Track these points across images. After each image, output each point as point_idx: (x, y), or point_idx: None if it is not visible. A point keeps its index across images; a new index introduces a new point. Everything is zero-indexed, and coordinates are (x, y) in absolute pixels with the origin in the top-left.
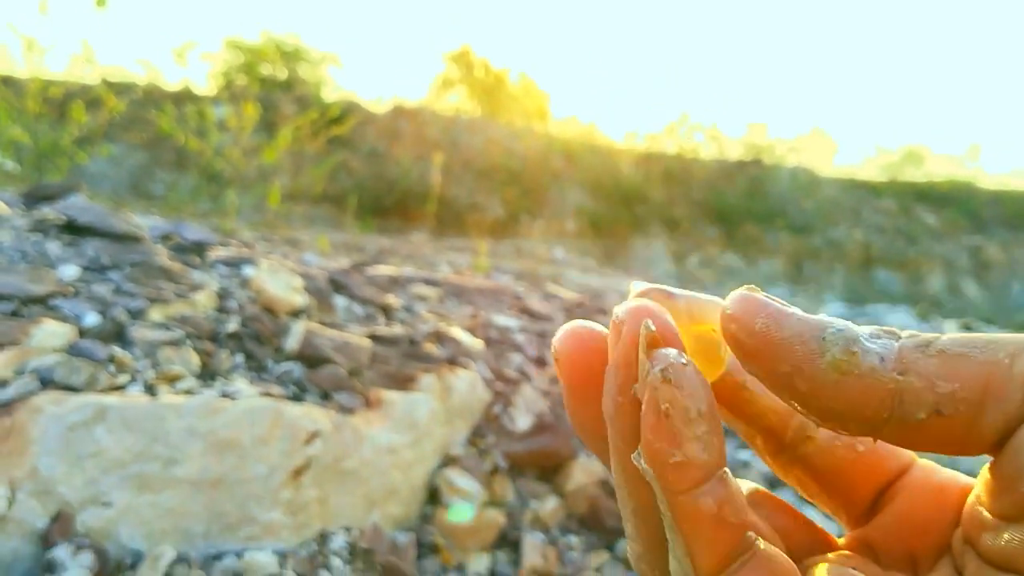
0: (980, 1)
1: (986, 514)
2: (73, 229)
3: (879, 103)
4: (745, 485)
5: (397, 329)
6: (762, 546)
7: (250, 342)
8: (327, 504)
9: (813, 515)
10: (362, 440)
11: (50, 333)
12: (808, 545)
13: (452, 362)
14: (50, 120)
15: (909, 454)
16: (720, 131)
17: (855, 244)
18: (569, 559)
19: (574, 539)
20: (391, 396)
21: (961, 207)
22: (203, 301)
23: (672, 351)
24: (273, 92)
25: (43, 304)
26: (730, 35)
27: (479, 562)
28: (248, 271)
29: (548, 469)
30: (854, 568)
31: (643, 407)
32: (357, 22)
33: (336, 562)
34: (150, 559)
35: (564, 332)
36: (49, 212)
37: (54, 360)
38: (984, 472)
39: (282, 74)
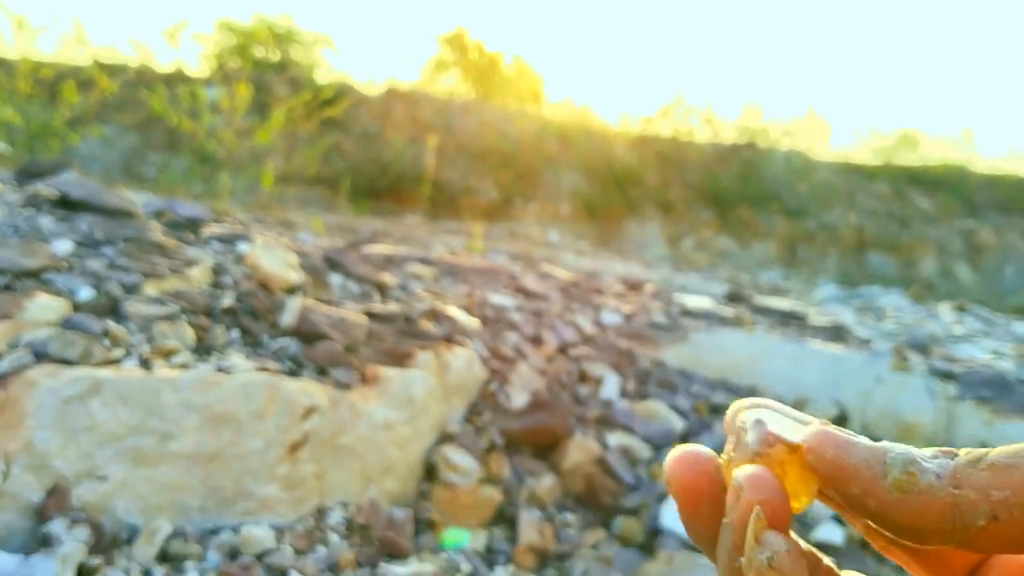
0: None
1: None
2: (66, 204)
3: (873, 86)
4: None
5: (393, 307)
6: None
7: (245, 317)
8: (324, 479)
9: None
10: (359, 416)
11: (44, 307)
12: None
13: (448, 340)
14: (41, 101)
15: None
16: (715, 114)
17: (849, 228)
18: (566, 536)
19: (571, 516)
20: (388, 373)
21: (954, 191)
22: (198, 276)
23: (778, 540)
24: (266, 74)
25: (36, 278)
26: (725, 17)
27: (476, 538)
28: (243, 247)
29: (544, 447)
30: None
31: None
32: (350, 4)
33: (333, 537)
34: (146, 533)
35: (674, 456)
36: (42, 188)
37: (48, 334)
38: None
39: (275, 56)
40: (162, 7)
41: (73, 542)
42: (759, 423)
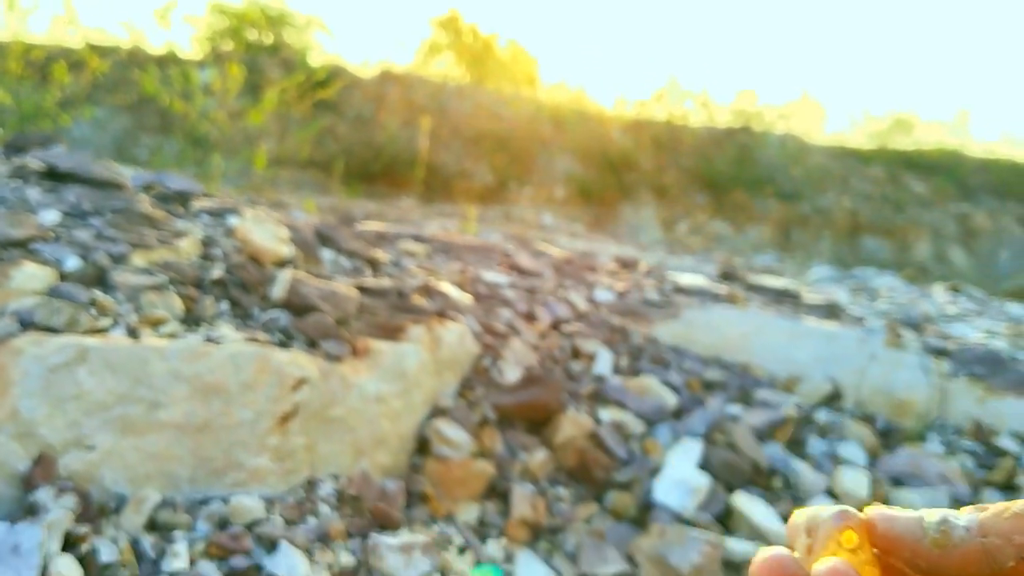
0: None
1: None
2: (54, 176)
3: (868, 70)
4: None
5: (385, 282)
6: None
7: (235, 289)
8: (315, 451)
9: None
10: (350, 388)
11: (30, 276)
12: None
13: (441, 315)
14: (33, 83)
15: None
16: (710, 98)
17: (843, 211)
18: (558, 510)
19: (563, 491)
20: (379, 346)
21: (949, 175)
22: (187, 248)
23: None
24: (259, 56)
25: (23, 248)
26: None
27: (469, 512)
28: (233, 221)
29: (537, 421)
30: None
31: None
32: None
33: (324, 508)
34: (134, 502)
35: (760, 560)
36: (30, 159)
37: (34, 302)
38: None
39: (268, 39)
40: None
41: (60, 510)
42: (826, 520)
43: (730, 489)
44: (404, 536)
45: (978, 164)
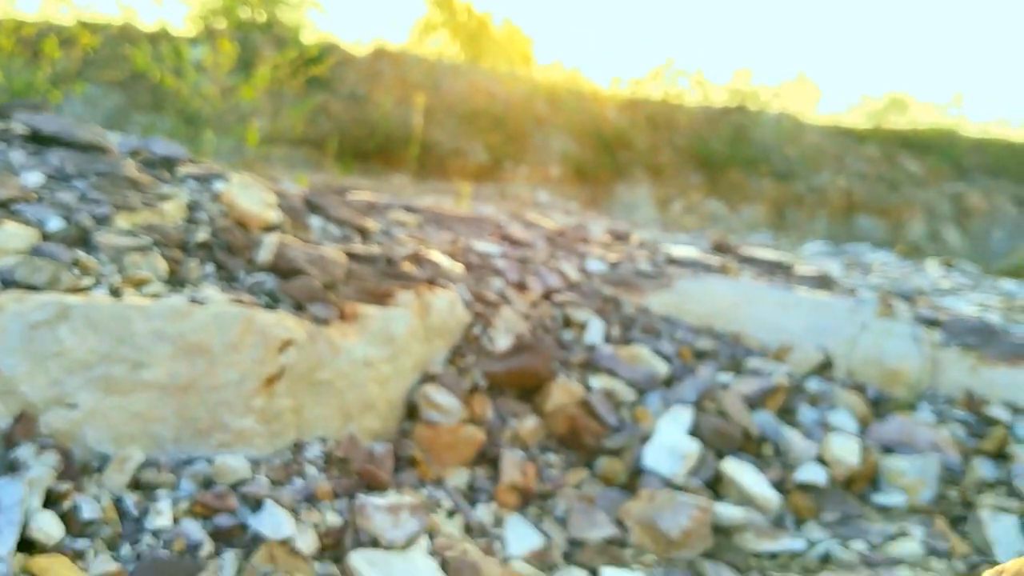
0: None
1: None
2: (38, 139)
3: (864, 50)
4: None
5: (374, 248)
6: None
7: (221, 252)
8: (302, 414)
9: None
10: (337, 352)
11: (11, 235)
12: None
13: (431, 283)
14: (24, 60)
15: None
16: (705, 77)
17: (838, 191)
18: (548, 476)
19: (553, 457)
20: (367, 310)
21: (944, 154)
22: (171, 211)
23: None
24: (251, 34)
25: (5, 208)
26: None
27: (458, 477)
28: (219, 186)
29: (528, 389)
30: None
31: None
32: None
33: (311, 470)
34: (117, 461)
35: None
36: (14, 123)
37: (15, 261)
38: None
39: (261, 17)
40: None
41: (41, 467)
42: None
43: (720, 456)
44: (392, 497)
45: (973, 144)
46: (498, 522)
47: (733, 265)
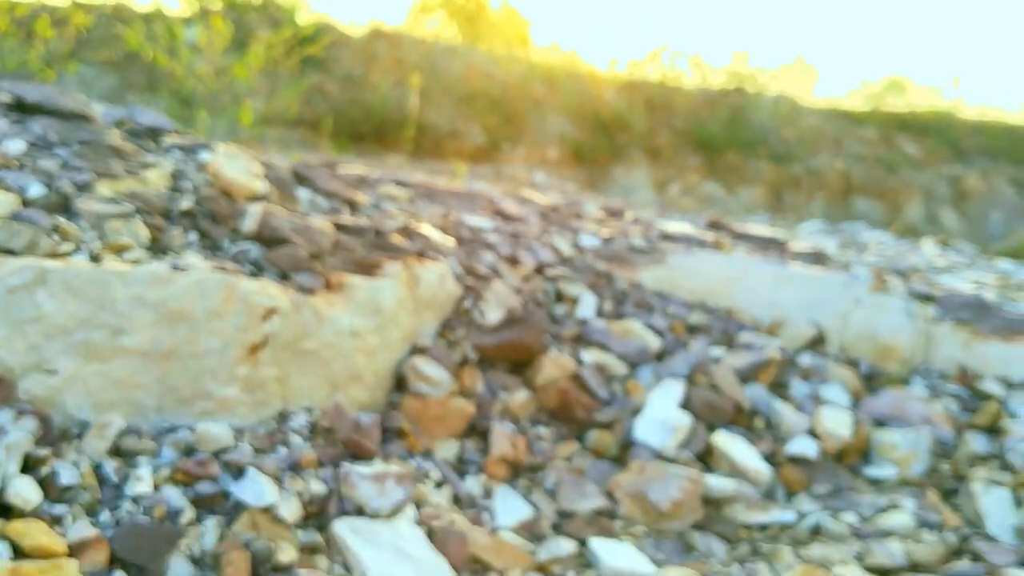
0: None
1: None
2: (22, 108)
3: (862, 34)
4: None
5: (363, 220)
6: None
7: (204, 221)
8: (287, 384)
9: None
10: (323, 321)
11: None
12: None
13: (421, 255)
14: (17, 40)
15: None
16: (703, 59)
17: (835, 173)
18: (539, 449)
19: (544, 430)
20: (354, 280)
21: (942, 137)
22: (155, 179)
23: None
24: (246, 15)
25: None
26: None
27: (447, 449)
28: (205, 156)
29: (519, 362)
30: None
31: None
32: None
33: (296, 439)
34: (97, 427)
35: None
36: None
37: None
38: None
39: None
40: None
41: (19, 433)
42: None
43: (711, 429)
44: (377, 466)
45: (971, 126)
46: (487, 494)
47: (727, 241)
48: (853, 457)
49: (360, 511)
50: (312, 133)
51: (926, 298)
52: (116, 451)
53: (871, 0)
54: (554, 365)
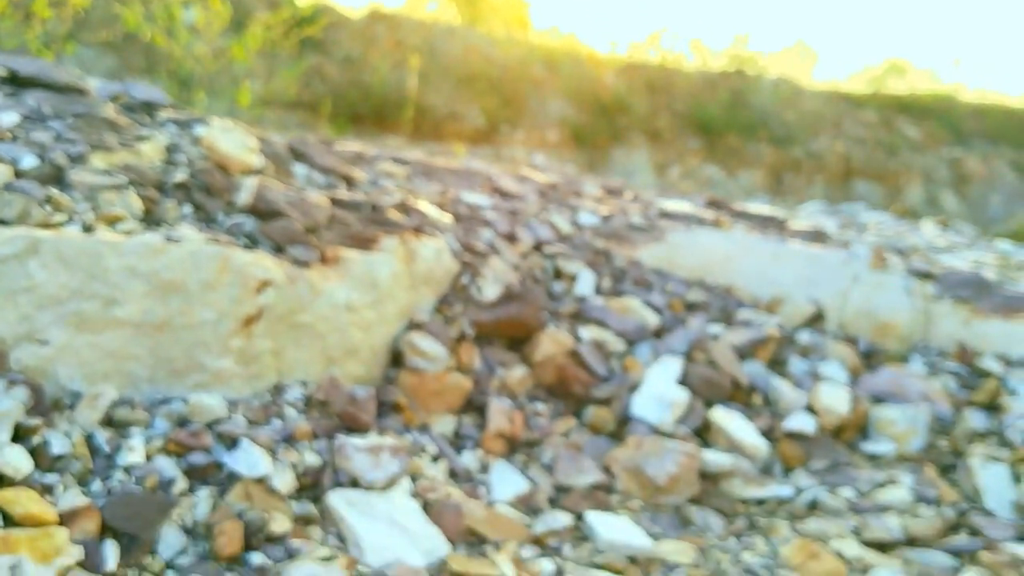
0: None
1: None
2: (15, 81)
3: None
4: None
5: (359, 195)
6: None
7: (199, 193)
8: (282, 357)
9: None
10: (318, 294)
11: None
12: None
13: (418, 230)
14: (15, 21)
15: None
16: (703, 42)
17: (836, 156)
18: (536, 424)
19: (541, 406)
20: (350, 254)
21: (942, 119)
22: (149, 152)
23: None
24: None
25: None
26: None
27: (444, 424)
28: (200, 130)
29: (516, 339)
30: None
31: None
32: None
33: (290, 412)
34: (89, 398)
35: None
36: None
37: None
38: None
39: None
40: None
41: (10, 402)
42: None
43: (709, 405)
44: (372, 438)
45: (972, 109)
46: (484, 468)
47: (726, 219)
48: (851, 433)
49: (355, 483)
50: (311, 115)
51: (925, 276)
52: (108, 422)
53: None
54: (552, 341)
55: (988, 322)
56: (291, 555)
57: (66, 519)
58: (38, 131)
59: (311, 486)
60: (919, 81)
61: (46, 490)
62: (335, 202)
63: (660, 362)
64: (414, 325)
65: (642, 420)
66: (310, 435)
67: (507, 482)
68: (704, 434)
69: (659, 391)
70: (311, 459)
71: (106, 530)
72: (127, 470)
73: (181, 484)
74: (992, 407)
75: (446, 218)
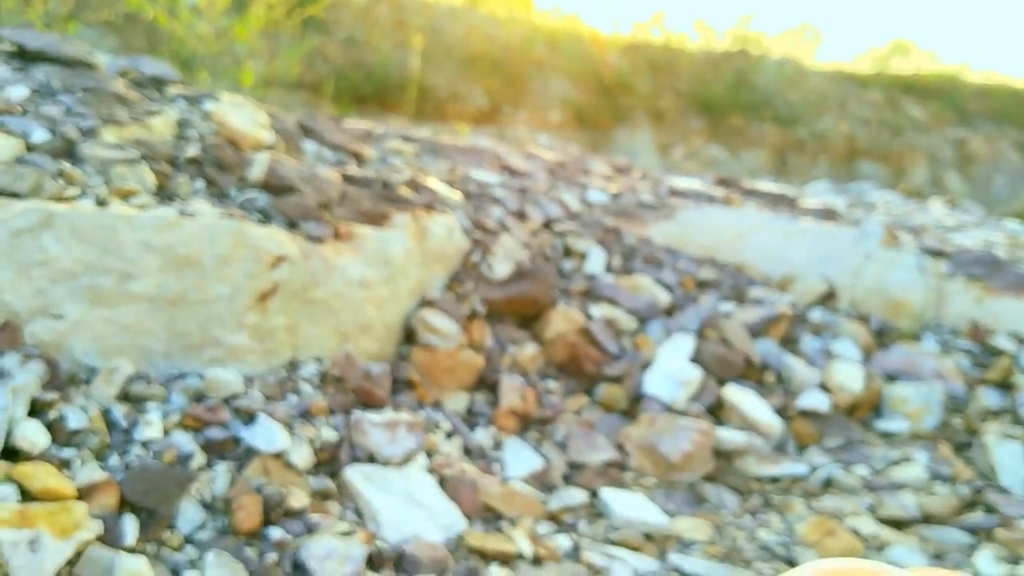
0: None
1: None
2: (24, 55)
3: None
4: None
5: (370, 172)
6: None
7: (211, 168)
8: (296, 333)
9: None
10: (332, 270)
11: None
12: None
13: (429, 207)
14: (17, 1)
15: None
16: (707, 22)
17: (840, 136)
18: (548, 402)
19: (553, 384)
20: (363, 230)
21: (947, 100)
22: (160, 127)
23: None
24: None
25: None
26: None
27: (457, 401)
28: (210, 105)
29: (528, 316)
30: None
31: None
32: None
33: (306, 388)
34: (105, 372)
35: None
36: None
37: None
38: None
39: None
40: None
41: (26, 376)
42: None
43: (722, 383)
44: (389, 414)
45: (976, 89)
46: (497, 445)
47: (736, 197)
48: (864, 411)
49: (371, 458)
50: (313, 95)
51: (937, 254)
52: (125, 396)
53: None
54: (563, 319)
55: (1001, 300)
56: (310, 530)
57: (84, 494)
58: (48, 105)
59: (328, 461)
60: (924, 62)
61: (63, 465)
62: (346, 178)
63: (672, 340)
64: (426, 302)
65: (655, 398)
66: (326, 411)
67: (521, 459)
68: (717, 412)
69: (671, 369)
70: (328, 435)
71: (125, 505)
72: (145, 445)
73: (199, 459)
74: (1005, 385)
75: (456, 195)
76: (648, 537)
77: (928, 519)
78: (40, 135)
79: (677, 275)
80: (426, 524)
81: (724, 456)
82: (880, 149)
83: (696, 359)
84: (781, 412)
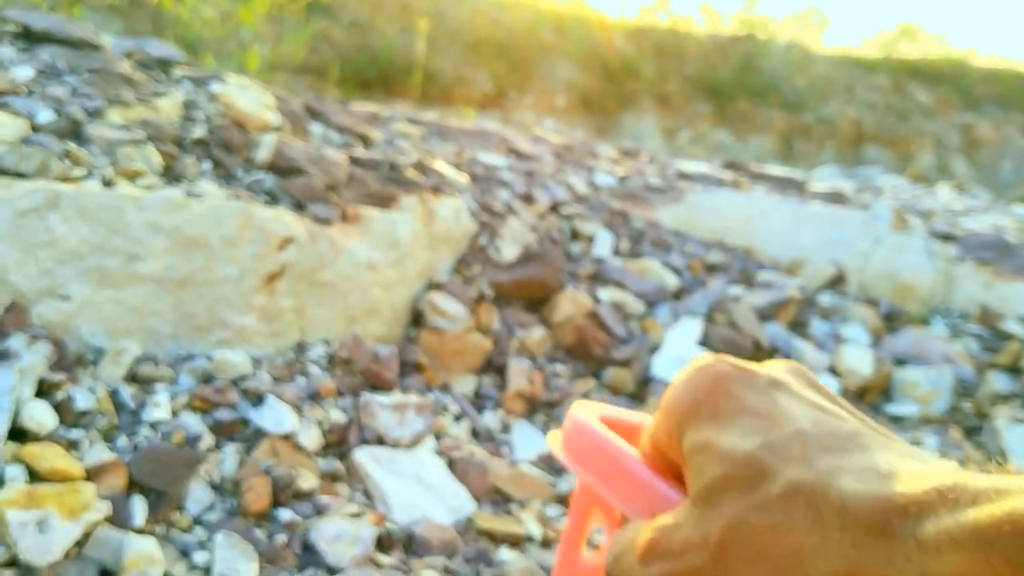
0: None
1: None
2: (29, 36)
3: None
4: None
5: (377, 154)
6: None
7: (218, 150)
8: (304, 315)
9: None
10: (340, 252)
11: (0, 124)
12: None
13: (436, 190)
14: None
15: None
16: (713, 6)
17: (847, 121)
18: (555, 385)
19: (561, 367)
20: (370, 212)
21: (954, 85)
22: (167, 108)
23: None
24: None
25: None
26: None
27: (465, 383)
28: (216, 87)
29: (535, 300)
30: None
31: None
32: None
33: (314, 369)
34: (112, 353)
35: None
36: (3, 20)
37: (3, 150)
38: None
39: None
40: None
41: (33, 357)
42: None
43: None
44: (397, 396)
45: (984, 74)
46: (505, 428)
47: (745, 181)
48: (874, 395)
49: (380, 440)
50: (318, 80)
51: (946, 238)
52: (132, 378)
53: None
54: (571, 302)
55: (1010, 284)
56: (319, 511)
57: (92, 474)
58: (53, 85)
59: (337, 443)
60: (931, 46)
61: (71, 445)
62: (353, 160)
63: (680, 323)
64: (434, 285)
65: (663, 382)
66: (335, 393)
67: (529, 441)
68: None
69: (680, 352)
70: (336, 416)
71: (133, 486)
72: (153, 426)
73: (207, 440)
74: (1015, 369)
75: (463, 178)
76: None
77: None
78: (46, 115)
79: (685, 258)
80: (435, 506)
81: None
82: (887, 134)
83: (704, 343)
84: None
